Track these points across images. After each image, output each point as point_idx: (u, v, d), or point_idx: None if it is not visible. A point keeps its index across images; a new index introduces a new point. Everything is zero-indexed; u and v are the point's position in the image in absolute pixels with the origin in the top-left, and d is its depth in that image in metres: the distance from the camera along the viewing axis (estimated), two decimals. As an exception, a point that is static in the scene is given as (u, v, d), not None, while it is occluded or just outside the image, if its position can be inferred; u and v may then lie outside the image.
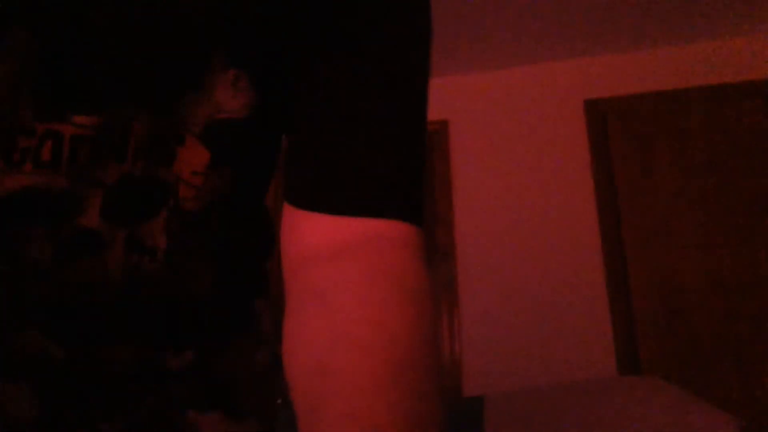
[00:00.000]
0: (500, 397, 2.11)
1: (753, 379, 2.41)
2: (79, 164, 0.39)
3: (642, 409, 1.82)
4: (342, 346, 0.34)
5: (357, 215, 0.41)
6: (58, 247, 0.41)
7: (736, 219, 2.61)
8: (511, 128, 2.96)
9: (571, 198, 2.80)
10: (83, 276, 0.42)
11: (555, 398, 2.00)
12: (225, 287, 0.50)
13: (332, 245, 0.40)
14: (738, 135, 2.70)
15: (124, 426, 0.47)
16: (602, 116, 2.87)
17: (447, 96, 3.04)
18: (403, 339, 0.34)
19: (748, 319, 2.49)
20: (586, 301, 2.65)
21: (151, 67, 0.40)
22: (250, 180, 0.49)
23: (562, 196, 2.81)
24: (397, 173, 0.43)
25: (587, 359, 2.56)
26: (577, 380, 2.21)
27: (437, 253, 2.81)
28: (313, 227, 0.42)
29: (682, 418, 1.76)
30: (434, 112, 3.00)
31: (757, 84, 2.73)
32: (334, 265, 0.39)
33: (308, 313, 0.38)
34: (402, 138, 0.44)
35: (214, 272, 0.48)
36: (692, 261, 2.60)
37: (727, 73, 2.78)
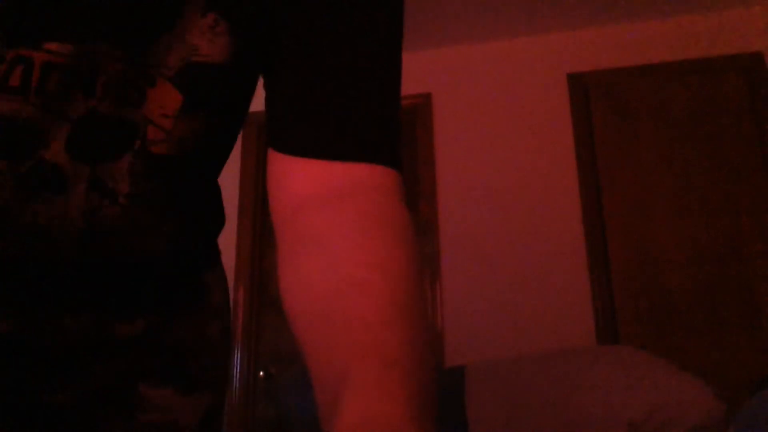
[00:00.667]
0: (481, 366, 2.14)
1: (730, 348, 2.47)
2: (48, 93, 0.38)
3: (620, 377, 1.86)
4: (346, 288, 0.35)
5: (345, 160, 0.42)
6: (20, 181, 0.39)
7: (716, 191, 2.64)
8: (494, 101, 2.95)
9: (554, 171, 2.82)
10: (43, 217, 0.40)
11: (535, 367, 2.03)
12: (178, 253, 0.50)
13: (323, 192, 0.41)
14: (719, 108, 2.73)
15: (73, 399, 0.46)
16: (585, 90, 2.87)
17: (430, 69, 3.02)
18: (401, 279, 0.36)
19: (727, 289, 2.54)
20: (566, 273, 2.68)
21: (127, 5, 0.39)
22: (221, 131, 0.48)
23: (544, 169, 2.83)
24: (380, 120, 0.44)
25: (567, 330, 2.61)
26: (556, 350, 2.25)
27: (420, 225, 2.82)
28: (302, 174, 0.42)
29: (659, 386, 1.80)
30: (417, 84, 2.98)
31: (738, 57, 2.75)
32: (327, 212, 0.40)
33: (305, 259, 0.39)
34: (382, 85, 0.45)
35: (171, 229, 0.47)
36: (672, 232, 2.64)
37: (708, 47, 2.79)
